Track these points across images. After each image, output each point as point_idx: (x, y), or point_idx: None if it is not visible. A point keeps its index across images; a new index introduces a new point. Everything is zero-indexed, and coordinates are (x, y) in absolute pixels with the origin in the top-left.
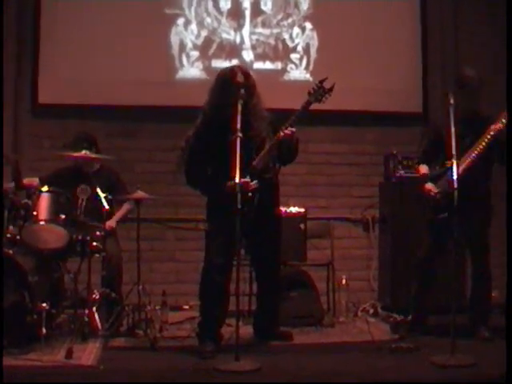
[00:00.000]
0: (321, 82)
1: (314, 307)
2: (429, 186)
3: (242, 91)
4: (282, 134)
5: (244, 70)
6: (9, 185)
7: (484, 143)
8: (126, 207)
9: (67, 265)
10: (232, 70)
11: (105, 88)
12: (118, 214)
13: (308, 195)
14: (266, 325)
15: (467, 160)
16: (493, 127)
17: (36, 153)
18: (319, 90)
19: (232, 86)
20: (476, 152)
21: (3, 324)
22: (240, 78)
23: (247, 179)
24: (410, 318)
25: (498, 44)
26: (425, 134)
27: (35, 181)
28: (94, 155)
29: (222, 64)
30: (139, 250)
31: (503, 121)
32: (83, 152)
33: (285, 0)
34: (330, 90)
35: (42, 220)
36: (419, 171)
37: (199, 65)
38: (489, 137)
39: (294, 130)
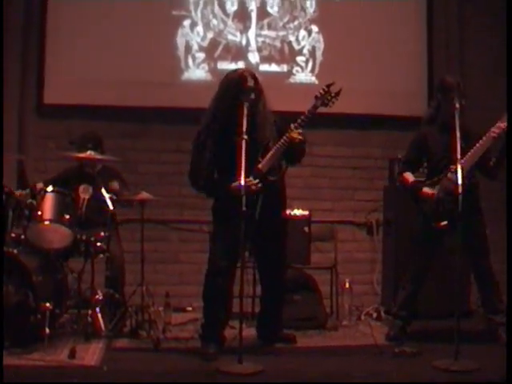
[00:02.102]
0: (328, 86)
1: (317, 310)
2: (427, 190)
3: (253, 96)
4: (291, 136)
5: (252, 73)
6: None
7: (485, 146)
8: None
9: (71, 265)
10: (242, 74)
11: (110, 89)
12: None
13: (312, 198)
14: (270, 327)
15: (468, 164)
16: (493, 130)
17: (41, 153)
18: (326, 95)
19: (242, 90)
20: (476, 155)
21: (6, 323)
22: (250, 82)
23: (251, 179)
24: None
25: (503, 46)
26: (411, 143)
27: (39, 185)
28: (98, 156)
29: (227, 66)
30: (143, 251)
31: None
32: (88, 152)
33: (291, 3)
34: (337, 94)
35: (46, 220)
36: (407, 180)
37: (205, 66)
38: (486, 139)
39: (300, 132)
